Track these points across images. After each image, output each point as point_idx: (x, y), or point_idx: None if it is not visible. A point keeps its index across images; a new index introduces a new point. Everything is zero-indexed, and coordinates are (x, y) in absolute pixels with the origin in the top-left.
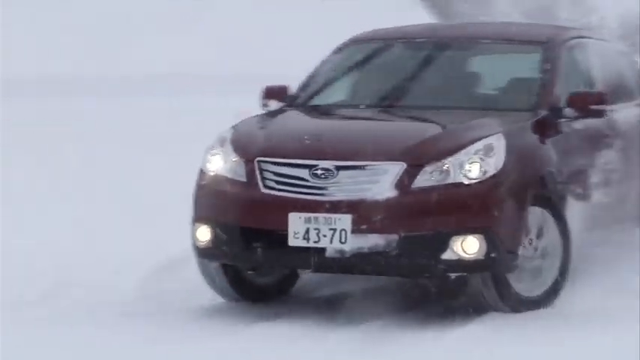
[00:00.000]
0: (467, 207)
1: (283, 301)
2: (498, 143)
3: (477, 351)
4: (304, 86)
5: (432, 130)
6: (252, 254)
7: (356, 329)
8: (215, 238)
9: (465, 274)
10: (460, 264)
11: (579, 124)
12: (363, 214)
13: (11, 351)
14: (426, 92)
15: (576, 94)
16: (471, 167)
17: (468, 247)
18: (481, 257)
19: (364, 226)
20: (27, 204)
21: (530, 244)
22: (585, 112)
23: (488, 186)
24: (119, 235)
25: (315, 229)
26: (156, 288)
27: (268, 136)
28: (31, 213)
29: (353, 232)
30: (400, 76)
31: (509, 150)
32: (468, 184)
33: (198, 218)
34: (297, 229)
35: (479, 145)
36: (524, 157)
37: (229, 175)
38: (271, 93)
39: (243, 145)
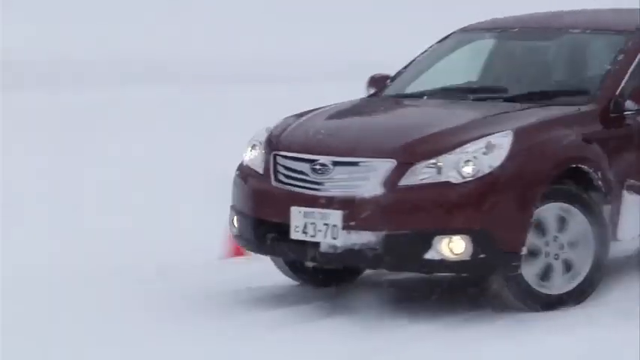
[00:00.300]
0: (452, 207)
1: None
2: (502, 141)
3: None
4: (396, 76)
5: (435, 126)
6: (264, 244)
7: (364, 321)
8: (240, 227)
9: (451, 274)
10: (443, 264)
11: None
12: (352, 210)
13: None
14: (494, 84)
15: (639, 88)
16: (465, 166)
17: (454, 247)
18: (467, 258)
19: (353, 223)
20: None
21: (555, 240)
22: None
23: (478, 185)
24: (120, 235)
25: (312, 223)
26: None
27: (291, 130)
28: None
29: (343, 228)
30: (477, 67)
31: (519, 147)
32: (455, 184)
33: (232, 207)
34: (298, 222)
35: (479, 143)
36: (541, 154)
37: (253, 167)
38: (374, 81)
39: (271, 139)
